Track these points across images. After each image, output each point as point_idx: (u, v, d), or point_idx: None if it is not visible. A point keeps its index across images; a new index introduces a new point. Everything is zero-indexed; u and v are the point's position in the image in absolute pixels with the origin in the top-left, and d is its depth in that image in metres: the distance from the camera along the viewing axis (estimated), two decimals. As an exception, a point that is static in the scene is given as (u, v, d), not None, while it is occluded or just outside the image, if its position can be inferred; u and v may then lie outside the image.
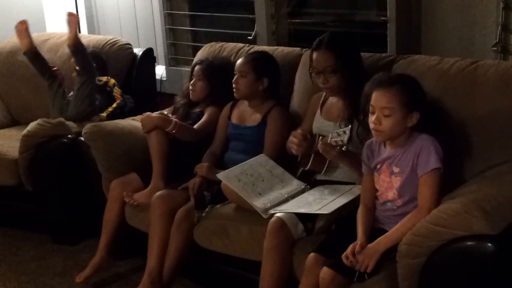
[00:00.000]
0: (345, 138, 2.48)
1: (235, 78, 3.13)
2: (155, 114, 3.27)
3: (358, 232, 2.36)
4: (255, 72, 3.11)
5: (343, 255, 2.27)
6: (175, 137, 3.21)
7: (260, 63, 3.14)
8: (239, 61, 3.16)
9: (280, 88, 3.22)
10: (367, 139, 2.52)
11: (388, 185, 2.40)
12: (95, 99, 3.83)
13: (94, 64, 3.84)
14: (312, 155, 2.74)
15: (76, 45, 3.74)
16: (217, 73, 3.35)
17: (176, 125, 3.18)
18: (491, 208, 2.02)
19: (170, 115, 3.38)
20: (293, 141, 2.72)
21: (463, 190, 2.26)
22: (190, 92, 3.40)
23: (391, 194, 2.39)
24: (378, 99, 2.32)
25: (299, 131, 2.77)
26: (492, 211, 2.02)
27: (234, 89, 3.15)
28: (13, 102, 4.47)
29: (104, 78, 3.92)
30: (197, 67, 3.42)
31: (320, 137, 2.61)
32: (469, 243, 2.01)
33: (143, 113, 3.31)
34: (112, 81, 3.92)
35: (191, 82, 3.41)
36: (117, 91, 3.91)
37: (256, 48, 3.53)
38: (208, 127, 3.31)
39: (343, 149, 2.51)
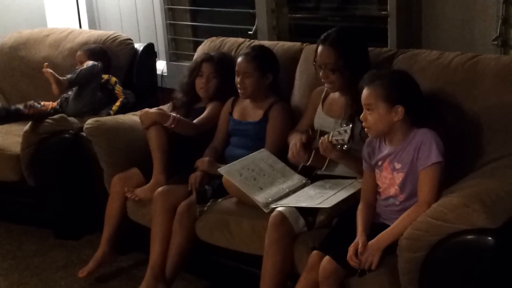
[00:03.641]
0: (346, 137, 2.48)
1: (239, 79, 3.10)
2: (153, 109, 3.27)
3: (358, 230, 2.36)
4: (259, 70, 3.09)
5: (348, 257, 2.28)
6: (177, 132, 3.21)
7: (263, 60, 3.13)
8: (240, 62, 3.11)
9: (280, 83, 3.22)
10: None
11: (391, 181, 2.41)
12: (96, 96, 3.83)
13: (97, 63, 3.84)
14: (313, 152, 2.74)
15: (63, 90, 3.75)
16: (228, 69, 3.31)
17: (174, 120, 3.18)
18: (491, 202, 2.03)
19: (169, 111, 3.39)
20: (296, 156, 2.76)
21: (463, 184, 2.26)
22: (201, 89, 3.37)
23: (393, 190, 2.40)
24: (362, 96, 2.38)
25: (297, 143, 2.77)
26: (492, 204, 2.02)
27: (240, 90, 3.12)
28: (14, 97, 4.47)
29: (106, 76, 3.92)
30: (207, 65, 3.36)
31: (321, 137, 2.62)
32: (469, 237, 2.02)
33: (142, 109, 3.31)
34: (114, 79, 3.93)
35: (203, 80, 3.36)
36: (119, 89, 3.91)
37: (256, 43, 3.52)
38: (209, 122, 3.30)
39: (344, 148, 2.52)
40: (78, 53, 4.00)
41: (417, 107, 2.38)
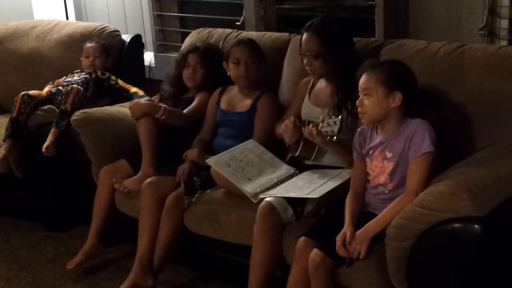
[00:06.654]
0: (335, 129, 2.48)
1: (243, 67, 3.08)
2: (143, 100, 3.27)
3: (346, 220, 2.37)
4: (258, 57, 3.13)
5: (337, 248, 2.29)
6: (165, 123, 3.21)
7: (258, 49, 3.16)
8: (242, 49, 3.10)
9: (268, 73, 3.22)
10: (354, 127, 2.54)
11: (381, 170, 2.41)
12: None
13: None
14: (302, 142, 2.74)
15: None
16: (215, 59, 3.31)
17: (165, 111, 3.17)
18: (478, 190, 2.04)
19: (157, 102, 3.38)
20: (287, 131, 2.74)
21: (451, 173, 2.27)
22: (188, 80, 3.36)
23: (383, 178, 2.41)
24: (361, 81, 2.38)
25: (291, 119, 2.77)
26: (479, 193, 2.04)
27: (243, 78, 3.10)
28: (2, 89, 4.44)
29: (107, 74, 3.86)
30: (193, 55, 3.35)
31: (311, 125, 2.61)
32: (456, 225, 2.03)
33: (131, 100, 3.30)
34: (113, 77, 3.85)
35: (190, 70, 3.35)
36: (122, 83, 3.85)
37: (243, 34, 3.52)
38: (198, 112, 3.30)
39: (333, 139, 2.52)
40: (92, 44, 3.89)
41: (414, 97, 2.39)
